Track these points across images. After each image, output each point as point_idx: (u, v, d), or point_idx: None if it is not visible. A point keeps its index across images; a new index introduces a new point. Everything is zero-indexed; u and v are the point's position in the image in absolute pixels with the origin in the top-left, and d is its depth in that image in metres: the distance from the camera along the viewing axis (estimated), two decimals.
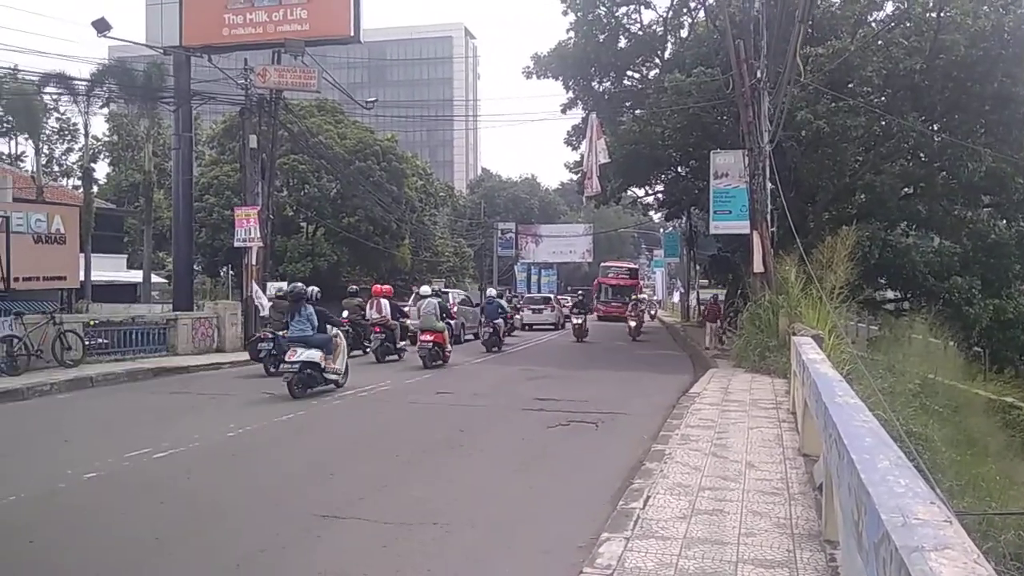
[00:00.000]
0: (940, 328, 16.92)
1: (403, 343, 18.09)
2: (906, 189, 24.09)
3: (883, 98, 21.87)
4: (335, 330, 12.81)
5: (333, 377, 12.25)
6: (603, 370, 16.85)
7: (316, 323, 12.40)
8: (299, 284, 13.87)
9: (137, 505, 6.26)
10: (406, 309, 19.80)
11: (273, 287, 20.64)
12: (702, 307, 40.70)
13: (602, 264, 56.59)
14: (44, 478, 6.92)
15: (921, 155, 23.68)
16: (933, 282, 21.88)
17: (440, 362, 16.34)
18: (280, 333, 14.13)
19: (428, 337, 16.06)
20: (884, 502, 2.22)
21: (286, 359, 11.79)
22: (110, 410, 11.27)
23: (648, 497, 5.75)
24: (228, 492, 6.71)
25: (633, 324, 27.46)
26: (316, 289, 14.01)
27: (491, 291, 25.38)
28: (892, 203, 23.07)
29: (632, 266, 57.00)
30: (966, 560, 1.82)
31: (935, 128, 22.96)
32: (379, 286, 19.85)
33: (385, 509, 6.03)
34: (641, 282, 58.80)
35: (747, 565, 4.40)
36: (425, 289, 19.05)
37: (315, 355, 11.77)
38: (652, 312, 46.70)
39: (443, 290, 25.69)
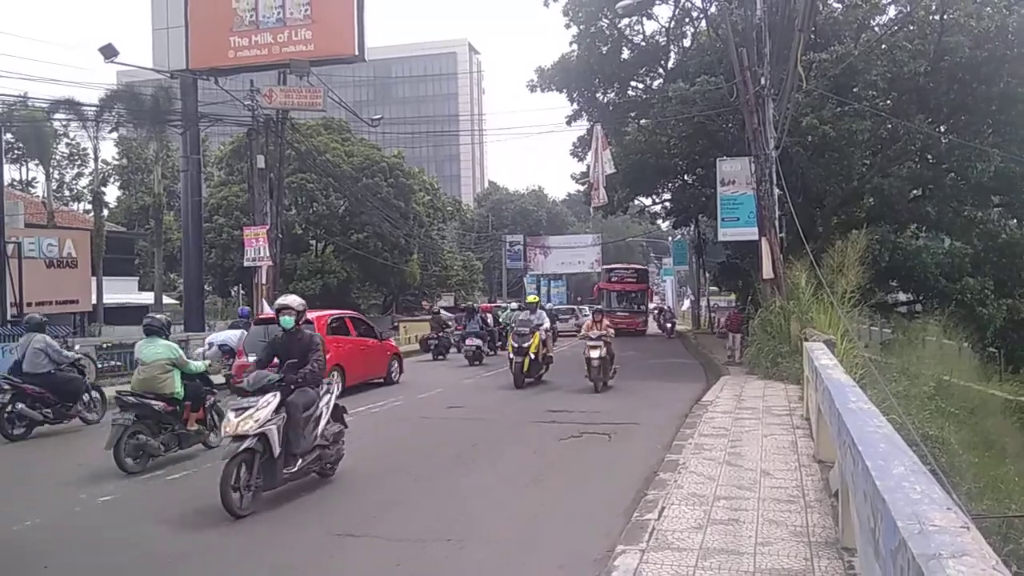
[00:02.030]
0: (954, 329, 16.81)
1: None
2: (915, 191, 24.00)
3: (889, 101, 21.82)
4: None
5: (485, 358, 20.84)
6: (614, 380, 16.76)
7: (481, 325, 22.07)
8: (470, 303, 26.39)
9: (152, 527, 6.25)
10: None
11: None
12: (714, 316, 39.91)
13: (604, 267, 49.05)
14: (59, 502, 6.95)
15: (929, 157, 23.61)
16: (945, 283, 21.76)
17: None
18: (440, 335, 23.14)
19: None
20: (900, 509, 2.20)
21: (467, 344, 20.82)
22: None
23: (663, 508, 5.72)
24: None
25: (595, 355, 13.85)
26: (479, 304, 23.62)
27: (550, 304, 37.93)
28: (901, 206, 22.99)
29: (640, 267, 47.81)
30: (984, 567, 1.80)
31: (942, 130, 22.90)
32: (486, 304, 32.39)
33: (398, 526, 6.02)
34: (652, 287, 51.62)
35: (764, 575, 4.36)
36: (514, 305, 29.04)
37: (481, 343, 20.91)
38: (669, 325, 37.98)
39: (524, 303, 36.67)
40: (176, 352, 8.78)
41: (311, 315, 13.30)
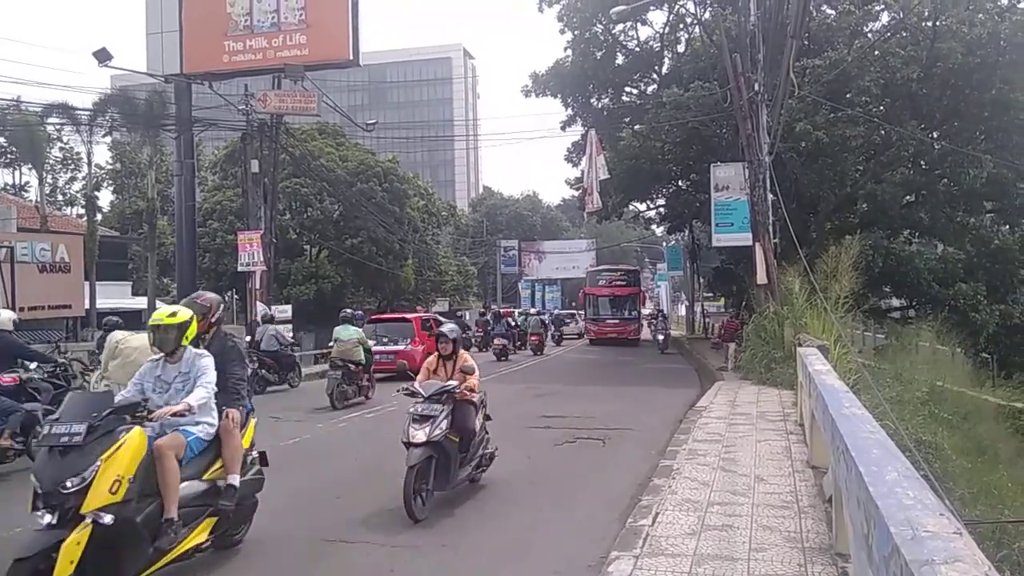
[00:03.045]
0: (947, 335, 16.83)
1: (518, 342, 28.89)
2: (908, 197, 24.07)
3: (882, 107, 21.90)
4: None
5: (510, 355, 24.56)
6: (609, 386, 16.79)
7: (507, 327, 25.77)
8: (493, 307, 35.17)
9: None
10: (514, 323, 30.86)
11: (276, 308, 22.34)
12: (708, 322, 39.74)
13: (589, 270, 42.89)
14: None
15: (922, 163, 23.69)
16: (938, 289, 21.79)
17: (540, 352, 27.08)
18: (463, 336, 26.84)
19: (535, 337, 27.55)
20: (893, 515, 2.20)
21: (495, 343, 24.60)
22: None
23: (657, 514, 5.72)
24: None
25: (419, 439, 6.45)
26: (504, 309, 28.50)
27: (557, 311, 45.17)
28: (894, 211, 23.04)
29: (630, 268, 42.01)
30: (977, 572, 1.80)
31: (935, 136, 22.98)
32: (506, 309, 37.74)
33: (393, 532, 6.00)
34: (644, 291, 47.04)
35: None
36: (532, 310, 35.56)
37: (507, 342, 24.68)
38: (662, 336, 29.85)
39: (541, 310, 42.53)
40: (362, 335, 13.98)
41: (411, 316, 20.93)
